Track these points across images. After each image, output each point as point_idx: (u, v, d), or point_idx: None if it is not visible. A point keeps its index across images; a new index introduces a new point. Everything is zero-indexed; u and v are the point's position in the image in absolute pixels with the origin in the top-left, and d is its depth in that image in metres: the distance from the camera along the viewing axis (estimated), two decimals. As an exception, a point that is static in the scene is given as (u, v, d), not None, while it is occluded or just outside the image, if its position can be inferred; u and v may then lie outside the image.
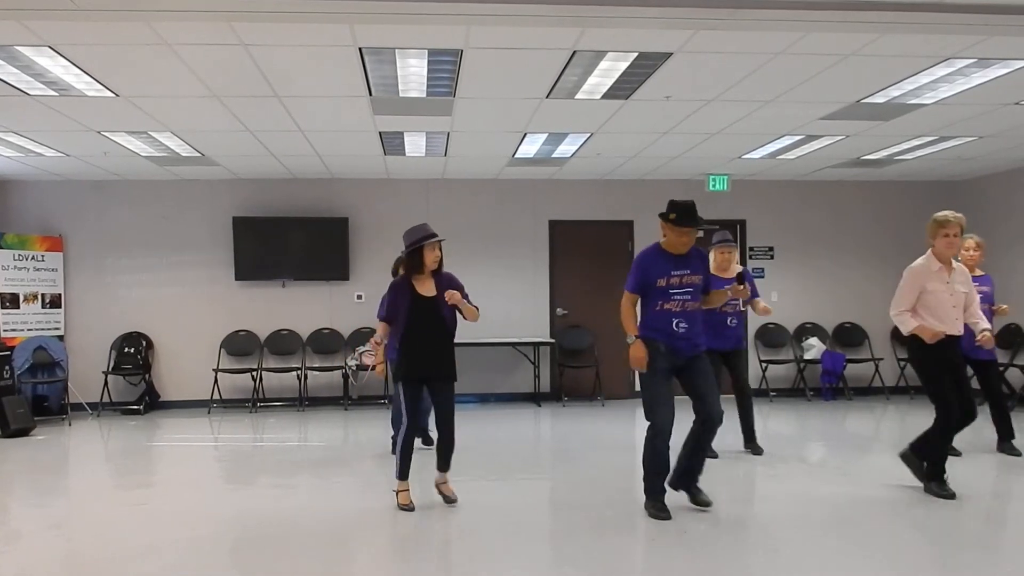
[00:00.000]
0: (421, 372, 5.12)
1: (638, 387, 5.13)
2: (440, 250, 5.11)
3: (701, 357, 4.91)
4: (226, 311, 10.20)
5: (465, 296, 5.15)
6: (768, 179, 10.57)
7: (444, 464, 5.29)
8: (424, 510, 5.24)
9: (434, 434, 5.55)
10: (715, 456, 6.25)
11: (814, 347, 10.39)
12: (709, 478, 5.69)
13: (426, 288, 5.09)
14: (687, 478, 5.04)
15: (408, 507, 5.10)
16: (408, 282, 5.11)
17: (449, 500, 5.24)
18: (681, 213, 4.78)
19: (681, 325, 4.80)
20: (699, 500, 4.99)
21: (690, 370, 4.88)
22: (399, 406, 5.27)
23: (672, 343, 4.80)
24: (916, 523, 4.78)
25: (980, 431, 6.22)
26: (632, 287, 4.91)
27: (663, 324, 4.82)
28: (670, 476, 4.99)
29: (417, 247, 5.03)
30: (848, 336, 10.78)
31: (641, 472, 5.00)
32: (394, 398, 5.34)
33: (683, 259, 4.85)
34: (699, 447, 5.00)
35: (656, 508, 4.87)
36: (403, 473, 5.21)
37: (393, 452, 5.89)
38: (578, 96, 6.47)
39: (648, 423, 4.96)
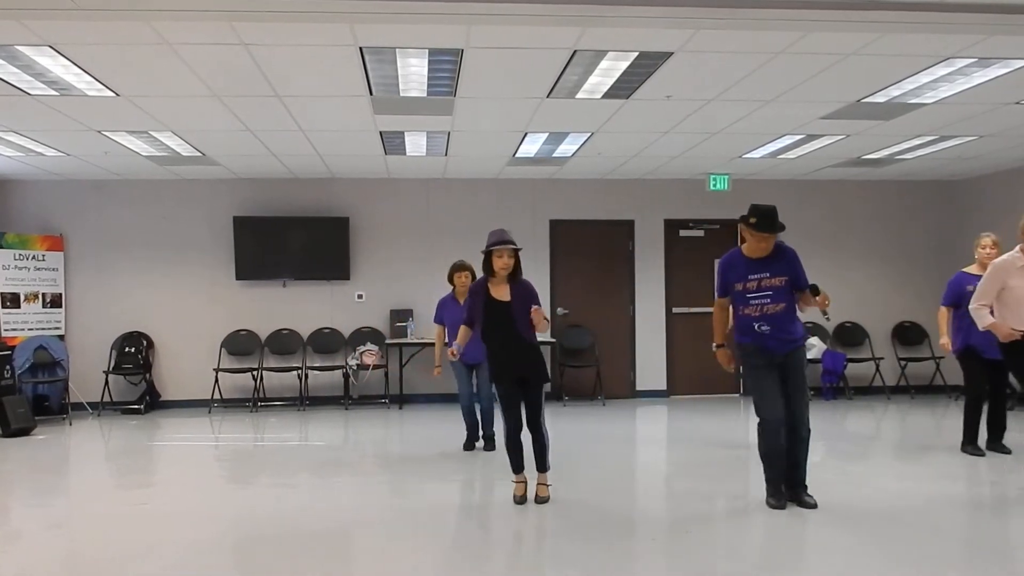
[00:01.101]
0: (502, 372, 5.21)
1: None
2: (513, 258, 5.16)
3: (795, 355, 4.94)
4: (227, 311, 10.22)
5: (537, 304, 5.21)
6: (769, 178, 10.56)
7: (538, 464, 5.28)
8: (426, 510, 5.24)
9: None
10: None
11: (815, 346, 10.38)
12: (711, 478, 5.71)
13: (501, 293, 5.18)
14: (789, 485, 5.02)
15: (518, 499, 5.20)
16: (484, 285, 5.22)
17: (539, 500, 5.22)
18: (761, 218, 4.84)
19: (763, 327, 4.89)
20: (805, 503, 4.95)
21: (784, 369, 4.93)
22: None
23: (759, 343, 4.91)
24: (918, 523, 4.77)
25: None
26: (717, 291, 5.11)
27: (746, 328, 4.97)
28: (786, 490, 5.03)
29: (488, 252, 5.16)
30: (849, 335, 10.77)
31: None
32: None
33: (762, 262, 4.92)
34: (792, 453, 4.97)
35: (771, 497, 4.98)
36: (514, 467, 5.29)
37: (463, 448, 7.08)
38: (579, 95, 6.47)
39: (758, 419, 5.03)
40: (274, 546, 4.47)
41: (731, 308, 5.08)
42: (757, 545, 4.45)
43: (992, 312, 5.58)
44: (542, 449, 5.23)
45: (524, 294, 5.19)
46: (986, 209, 9.79)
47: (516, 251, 5.18)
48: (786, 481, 5.01)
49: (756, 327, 4.91)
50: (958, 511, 5.04)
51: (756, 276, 4.89)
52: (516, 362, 5.18)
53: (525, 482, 5.30)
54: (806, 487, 5.01)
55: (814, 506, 4.91)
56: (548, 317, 5.35)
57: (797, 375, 4.93)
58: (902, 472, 6.29)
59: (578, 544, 4.44)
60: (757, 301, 4.89)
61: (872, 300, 10.84)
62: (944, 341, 6.58)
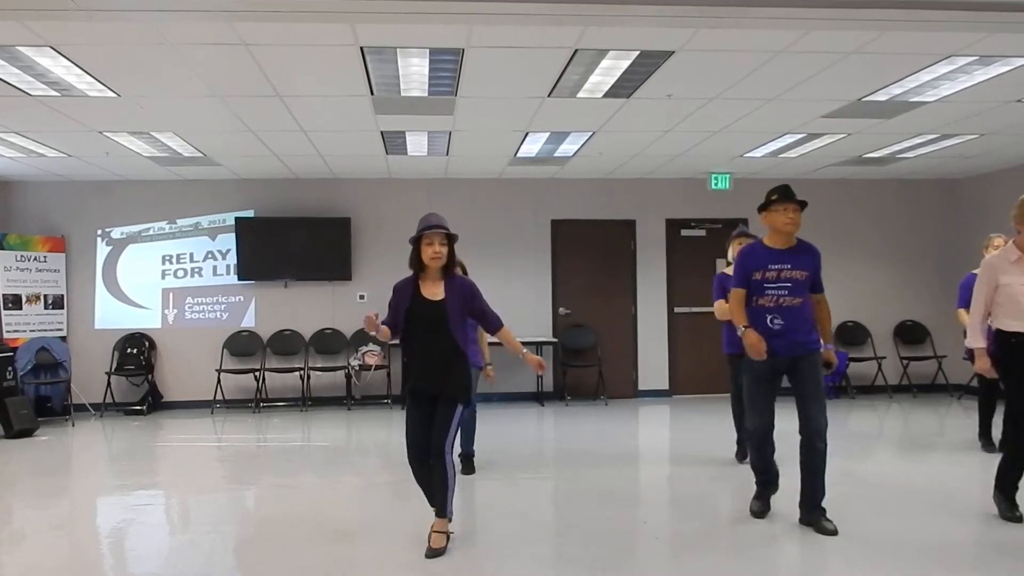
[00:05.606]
0: (417, 385, 4.38)
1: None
2: (446, 245, 4.28)
3: (806, 358, 4.58)
4: (229, 311, 10.20)
5: (481, 304, 4.45)
6: (770, 177, 10.51)
7: (438, 505, 4.35)
8: (428, 512, 5.24)
9: None
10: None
11: (817, 346, 10.37)
12: (714, 477, 5.68)
13: (432, 291, 4.34)
14: (806, 507, 4.68)
15: (433, 552, 4.26)
16: (413, 281, 4.40)
17: (429, 552, 4.25)
18: (779, 190, 4.62)
19: (776, 322, 4.56)
20: (823, 529, 4.53)
21: (794, 373, 4.62)
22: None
23: (767, 341, 4.55)
24: (921, 524, 4.77)
25: None
26: (736, 282, 4.73)
27: (758, 323, 4.62)
28: (801, 513, 4.71)
29: (416, 240, 4.33)
30: (850, 335, 10.76)
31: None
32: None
33: (784, 253, 4.63)
34: (806, 468, 4.65)
35: (754, 500, 4.95)
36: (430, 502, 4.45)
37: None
38: (580, 95, 6.47)
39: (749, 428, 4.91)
40: (277, 546, 4.48)
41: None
42: (758, 546, 4.42)
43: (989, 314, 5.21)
44: (443, 485, 4.28)
45: (462, 294, 4.34)
46: (988, 207, 9.77)
47: (449, 237, 4.30)
48: (802, 503, 4.69)
49: (768, 320, 4.57)
50: (964, 514, 5.02)
51: (777, 266, 4.57)
52: (435, 373, 4.30)
53: (446, 532, 4.36)
54: (824, 510, 4.60)
55: (834, 532, 4.47)
56: (544, 363, 4.64)
57: (812, 382, 4.56)
58: (906, 472, 6.27)
59: (582, 545, 4.44)
60: (774, 292, 4.57)
61: (874, 299, 10.82)
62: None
